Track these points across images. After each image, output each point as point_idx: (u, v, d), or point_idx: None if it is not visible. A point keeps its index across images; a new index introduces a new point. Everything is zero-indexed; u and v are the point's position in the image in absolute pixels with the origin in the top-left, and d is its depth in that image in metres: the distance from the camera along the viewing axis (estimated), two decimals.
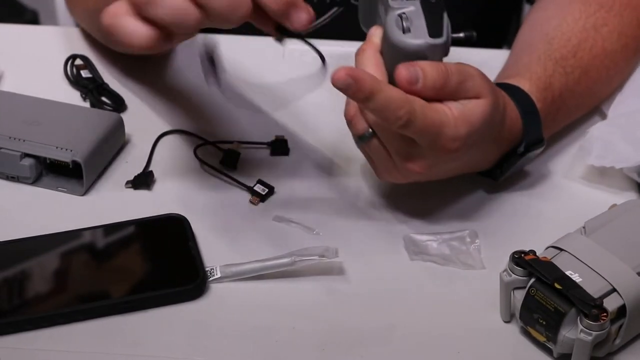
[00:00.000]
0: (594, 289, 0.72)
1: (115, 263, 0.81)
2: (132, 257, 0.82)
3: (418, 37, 0.77)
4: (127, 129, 0.93)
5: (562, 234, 0.78)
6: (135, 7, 0.71)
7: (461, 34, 0.79)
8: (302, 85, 0.93)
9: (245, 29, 1.09)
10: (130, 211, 0.85)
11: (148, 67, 1.02)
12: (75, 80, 1.00)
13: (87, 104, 0.98)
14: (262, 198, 0.88)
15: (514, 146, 0.86)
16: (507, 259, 0.75)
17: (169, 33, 0.72)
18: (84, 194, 0.88)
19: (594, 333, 0.70)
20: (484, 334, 0.77)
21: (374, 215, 0.87)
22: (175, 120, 0.96)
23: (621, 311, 0.72)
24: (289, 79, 0.99)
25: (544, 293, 0.72)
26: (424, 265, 0.82)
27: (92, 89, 0.98)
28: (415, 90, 0.75)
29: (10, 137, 0.87)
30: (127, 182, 0.89)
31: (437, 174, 0.83)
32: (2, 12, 1.89)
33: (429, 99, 0.76)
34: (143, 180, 0.89)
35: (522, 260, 0.74)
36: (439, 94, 0.77)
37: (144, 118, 0.96)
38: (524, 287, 0.74)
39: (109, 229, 0.83)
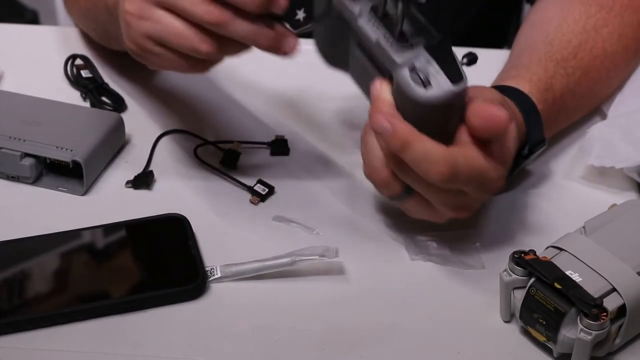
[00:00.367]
0: (594, 288, 0.72)
1: (115, 263, 0.81)
2: (132, 257, 0.82)
3: (442, 87, 0.73)
4: (127, 129, 0.93)
5: (562, 234, 0.78)
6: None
7: (464, 60, 0.75)
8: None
9: None
10: (130, 211, 0.85)
11: (148, 67, 1.02)
12: (75, 80, 1.00)
13: (87, 104, 0.98)
14: (262, 198, 0.88)
15: (518, 148, 0.86)
16: (507, 259, 0.75)
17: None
18: (84, 193, 0.88)
19: (594, 333, 0.70)
20: (484, 334, 0.77)
21: (374, 215, 0.87)
22: (175, 120, 0.96)
23: (621, 311, 0.72)
24: (290, 78, 0.99)
25: (544, 293, 0.72)
26: (424, 265, 0.82)
27: (92, 88, 0.98)
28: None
29: (10, 137, 0.87)
30: (127, 182, 0.89)
31: None
32: (2, 12, 1.89)
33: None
34: (143, 180, 0.89)
35: (522, 260, 0.74)
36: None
37: (144, 118, 0.96)
38: (524, 287, 0.74)
39: (109, 228, 0.83)
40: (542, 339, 0.74)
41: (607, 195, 0.89)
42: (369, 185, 0.89)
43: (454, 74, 0.73)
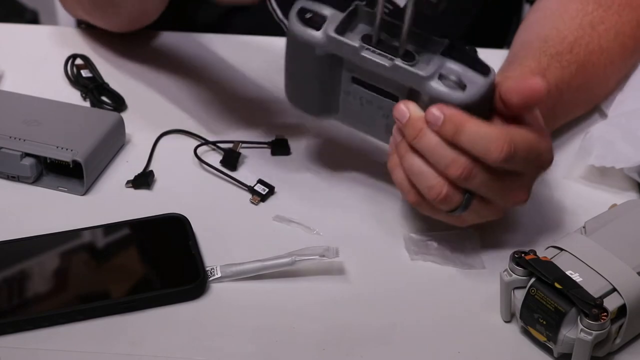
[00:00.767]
0: (594, 288, 0.72)
1: (116, 263, 0.81)
2: (133, 256, 0.82)
3: (477, 84, 0.75)
4: (127, 129, 0.93)
5: (562, 234, 0.78)
6: None
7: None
8: None
9: (250, 28, 1.09)
10: (130, 211, 0.85)
11: (148, 67, 1.02)
12: (75, 80, 1.00)
13: (87, 104, 0.98)
14: (263, 198, 0.88)
15: None
16: (507, 259, 0.75)
17: None
18: (85, 193, 0.88)
19: (594, 333, 0.70)
20: (484, 334, 0.77)
21: (374, 215, 0.87)
22: (175, 120, 0.96)
23: (621, 311, 0.72)
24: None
25: (544, 293, 0.72)
26: (424, 265, 0.82)
27: (92, 88, 0.98)
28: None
29: (10, 137, 0.87)
30: (128, 182, 0.89)
31: None
32: (2, 12, 1.89)
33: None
34: (143, 180, 0.89)
35: (522, 260, 0.74)
36: None
37: (144, 118, 0.96)
38: (524, 287, 0.74)
39: (110, 228, 0.83)
40: (542, 339, 0.74)
41: (608, 195, 0.89)
42: (369, 184, 0.89)
43: (479, 66, 0.75)
